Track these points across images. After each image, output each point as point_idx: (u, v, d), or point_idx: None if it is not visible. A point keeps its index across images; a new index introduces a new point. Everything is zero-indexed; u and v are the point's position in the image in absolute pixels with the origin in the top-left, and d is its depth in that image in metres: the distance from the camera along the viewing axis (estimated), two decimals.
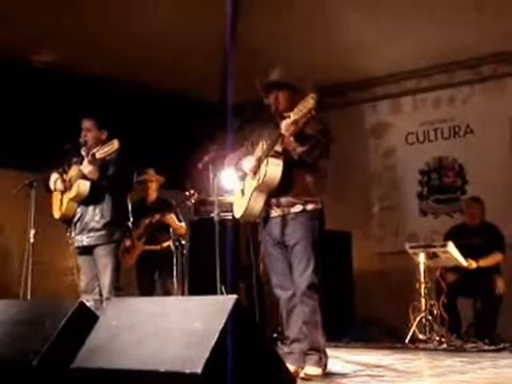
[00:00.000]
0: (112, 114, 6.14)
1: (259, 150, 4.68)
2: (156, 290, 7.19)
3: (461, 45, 7.87)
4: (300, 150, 4.48)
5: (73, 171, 5.52)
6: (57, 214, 5.66)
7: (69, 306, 3.88)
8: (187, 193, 7.07)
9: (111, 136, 5.48)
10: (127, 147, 5.33)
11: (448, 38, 7.75)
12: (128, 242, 6.82)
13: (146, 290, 7.09)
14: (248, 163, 4.70)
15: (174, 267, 7.17)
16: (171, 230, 7.24)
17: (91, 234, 5.44)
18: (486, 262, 6.96)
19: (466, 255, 6.92)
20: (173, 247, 7.26)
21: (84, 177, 5.40)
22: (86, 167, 5.36)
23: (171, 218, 7.15)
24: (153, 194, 7.38)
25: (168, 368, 3.02)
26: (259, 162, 4.60)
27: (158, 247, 7.22)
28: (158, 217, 7.08)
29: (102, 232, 5.42)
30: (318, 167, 4.64)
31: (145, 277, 7.24)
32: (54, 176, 5.66)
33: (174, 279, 7.08)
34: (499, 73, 8.29)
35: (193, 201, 7.05)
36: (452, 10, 7.38)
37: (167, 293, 7.10)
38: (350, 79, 9.02)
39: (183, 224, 7.32)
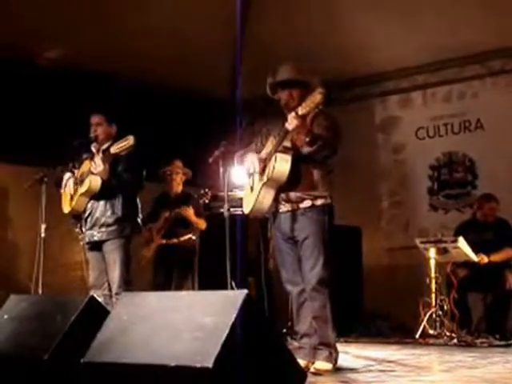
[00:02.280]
0: (121, 110, 6.15)
1: (269, 145, 4.67)
2: (171, 286, 6.97)
3: (471, 39, 7.84)
4: (307, 149, 4.48)
5: (85, 166, 5.52)
6: (66, 209, 5.66)
7: (79, 300, 3.89)
8: (202, 191, 7.03)
9: (121, 132, 5.48)
10: (137, 144, 5.32)
11: (458, 33, 7.73)
12: (147, 234, 6.84)
13: (160, 287, 6.89)
14: (250, 162, 4.71)
15: (192, 264, 7.07)
16: (191, 224, 7.09)
17: (102, 229, 5.44)
18: (497, 257, 6.95)
19: (476, 250, 6.91)
20: (196, 243, 7.13)
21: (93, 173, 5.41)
22: (97, 167, 5.34)
23: (189, 211, 6.97)
24: (177, 187, 7.19)
25: (178, 362, 3.01)
26: (267, 159, 4.59)
27: (176, 241, 7.07)
28: (176, 211, 6.96)
29: (113, 227, 5.42)
30: (326, 163, 4.64)
31: (160, 273, 7.09)
32: (67, 176, 5.66)
33: (196, 279, 7.00)
34: (509, 67, 8.26)
35: (207, 200, 6.98)
36: (461, 5, 7.35)
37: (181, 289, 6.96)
38: (360, 74, 9.00)
39: (202, 220, 7.11)
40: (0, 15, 7.08)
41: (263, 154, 4.70)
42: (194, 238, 7.09)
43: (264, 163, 4.63)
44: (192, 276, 7.12)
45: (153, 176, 6.40)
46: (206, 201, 6.99)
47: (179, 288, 6.95)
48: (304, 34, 7.85)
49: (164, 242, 7.06)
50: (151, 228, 7.03)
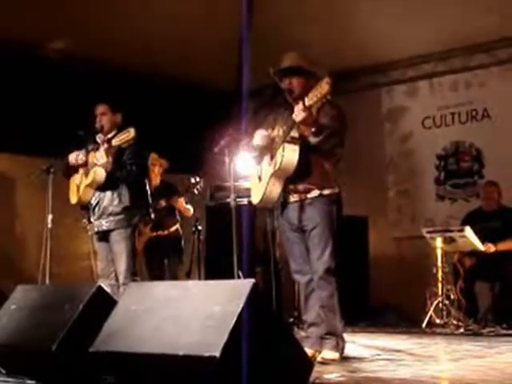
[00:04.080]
0: (127, 101, 6.14)
1: (276, 133, 4.67)
2: (165, 276, 7.13)
3: (477, 28, 7.80)
4: (314, 140, 4.47)
5: (91, 157, 5.52)
6: (73, 199, 5.67)
7: (87, 290, 3.89)
8: (192, 180, 7.05)
9: (126, 123, 5.48)
10: (142, 135, 5.32)
11: (464, 22, 7.69)
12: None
13: (156, 277, 7.03)
14: (259, 137, 4.70)
15: (183, 253, 7.24)
16: (177, 213, 7.24)
17: (110, 218, 5.44)
18: (504, 246, 6.93)
19: (483, 239, 6.90)
20: (180, 231, 7.30)
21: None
22: (100, 159, 5.34)
23: (181, 201, 7.14)
24: (156, 179, 7.25)
25: (186, 352, 3.02)
26: (272, 140, 4.59)
27: (166, 232, 7.20)
28: (163, 203, 7.01)
29: (121, 216, 5.42)
30: (333, 153, 4.64)
31: (154, 264, 7.21)
32: (73, 154, 5.66)
33: (184, 264, 7.13)
34: None
35: (199, 188, 7.01)
36: None
37: (175, 278, 7.07)
38: (366, 63, 8.98)
39: (190, 207, 7.29)
40: (4, 7, 7.07)
41: (273, 134, 4.68)
42: (179, 228, 7.27)
43: (270, 140, 4.61)
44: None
45: None
46: (199, 189, 7.02)
47: (175, 277, 7.07)
48: (310, 22, 7.81)
49: (154, 234, 7.14)
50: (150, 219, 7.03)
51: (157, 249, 7.16)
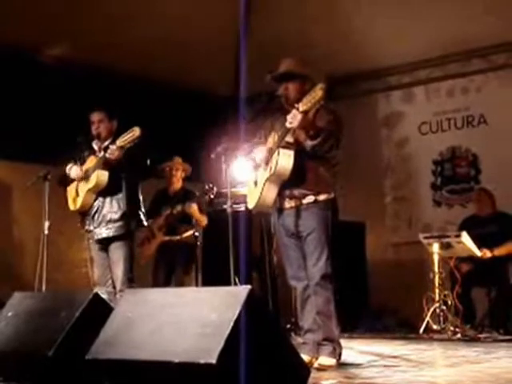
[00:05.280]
0: (124, 106, 6.14)
1: (271, 141, 4.68)
2: (171, 282, 6.98)
3: (474, 34, 7.82)
4: (311, 143, 4.47)
5: (90, 162, 5.52)
6: (72, 206, 5.66)
7: (83, 297, 3.90)
8: (206, 187, 6.98)
9: (121, 128, 5.47)
10: (139, 140, 5.31)
11: (461, 27, 7.70)
12: (147, 232, 6.80)
13: (161, 284, 6.86)
14: (260, 153, 4.71)
15: (194, 260, 6.99)
16: (194, 221, 6.99)
17: (110, 226, 5.44)
18: (500, 252, 6.95)
19: (479, 245, 6.91)
20: (197, 239, 7.03)
21: (104, 166, 5.39)
22: (113, 154, 5.29)
23: (194, 208, 6.88)
24: (177, 183, 7.13)
25: (183, 359, 3.03)
26: (271, 152, 4.60)
27: (178, 237, 7.00)
28: (179, 208, 6.89)
29: (120, 222, 5.44)
30: (329, 157, 4.64)
31: (160, 271, 7.03)
32: (69, 165, 5.65)
33: (193, 274, 6.95)
34: None
35: (212, 195, 6.92)
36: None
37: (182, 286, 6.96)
38: (363, 69, 8.99)
39: (204, 217, 7.04)
40: (2, 13, 7.08)
41: (269, 144, 4.69)
42: (197, 234, 7.05)
43: (269, 154, 4.62)
44: (195, 272, 7.09)
45: (153, 172, 6.39)
46: (211, 196, 6.94)
47: (181, 285, 6.94)
48: (307, 28, 7.84)
49: (167, 238, 6.99)
50: (151, 225, 6.94)
51: (167, 255, 6.99)
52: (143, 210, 5.72)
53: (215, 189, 6.83)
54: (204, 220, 7.03)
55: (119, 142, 5.29)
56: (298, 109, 4.31)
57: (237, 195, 6.61)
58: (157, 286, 6.76)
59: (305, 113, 4.31)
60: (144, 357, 3.19)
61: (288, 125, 4.39)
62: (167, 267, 7.05)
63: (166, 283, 6.95)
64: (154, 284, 6.95)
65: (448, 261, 7.08)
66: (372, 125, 9.21)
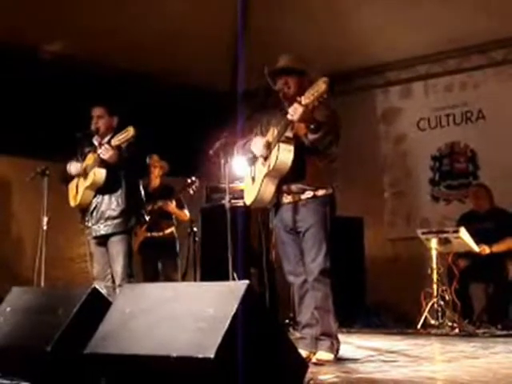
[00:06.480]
0: (122, 102, 6.15)
1: (270, 135, 4.67)
2: (160, 278, 7.15)
3: (472, 30, 7.82)
4: (312, 137, 4.47)
5: (88, 160, 5.51)
6: (73, 203, 5.67)
7: (82, 292, 3.90)
8: (188, 180, 7.07)
9: (123, 124, 5.48)
10: (138, 136, 5.32)
11: (459, 23, 7.70)
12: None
13: (150, 279, 7.02)
14: (256, 144, 4.70)
15: (178, 256, 7.22)
16: (174, 216, 7.24)
17: (108, 223, 5.44)
18: (498, 248, 6.95)
19: (478, 241, 6.91)
20: (176, 234, 7.29)
21: (101, 164, 5.40)
22: (106, 153, 5.32)
23: (171, 205, 7.11)
24: (156, 180, 7.31)
25: (181, 353, 3.03)
26: (269, 146, 4.59)
27: (161, 234, 7.19)
28: (159, 204, 7.04)
29: (119, 220, 5.43)
30: (328, 153, 4.64)
31: (148, 266, 7.21)
32: (70, 162, 5.66)
33: (179, 267, 7.14)
34: (511, 57, 8.23)
35: (194, 188, 7.03)
36: None
37: (170, 281, 7.05)
38: (361, 65, 8.99)
39: (186, 211, 7.28)
40: (1, 9, 7.07)
41: (268, 138, 4.69)
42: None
43: (268, 149, 4.62)
44: (185, 267, 7.25)
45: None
46: (194, 189, 7.03)
47: (169, 279, 7.06)
48: (305, 24, 7.83)
49: (149, 234, 7.12)
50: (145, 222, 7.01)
51: (151, 250, 7.16)
52: (144, 204, 5.73)
53: (197, 182, 6.93)
54: (185, 215, 7.27)
55: (113, 142, 5.31)
56: (299, 102, 4.29)
57: (235, 190, 6.63)
58: (147, 281, 6.83)
59: (306, 106, 4.29)
60: (142, 351, 3.19)
61: (289, 117, 4.38)
62: (153, 265, 7.24)
63: (155, 278, 7.09)
64: (144, 279, 7.05)
65: (446, 256, 7.08)
66: (370, 120, 9.21)
